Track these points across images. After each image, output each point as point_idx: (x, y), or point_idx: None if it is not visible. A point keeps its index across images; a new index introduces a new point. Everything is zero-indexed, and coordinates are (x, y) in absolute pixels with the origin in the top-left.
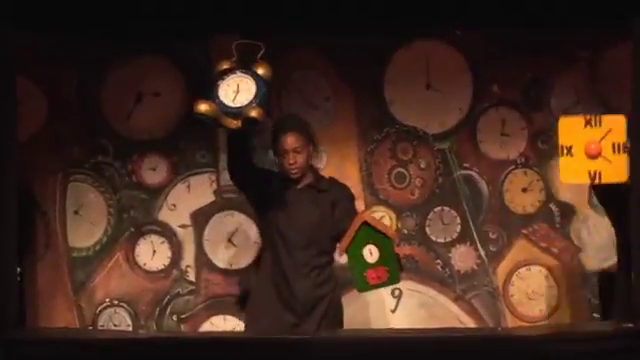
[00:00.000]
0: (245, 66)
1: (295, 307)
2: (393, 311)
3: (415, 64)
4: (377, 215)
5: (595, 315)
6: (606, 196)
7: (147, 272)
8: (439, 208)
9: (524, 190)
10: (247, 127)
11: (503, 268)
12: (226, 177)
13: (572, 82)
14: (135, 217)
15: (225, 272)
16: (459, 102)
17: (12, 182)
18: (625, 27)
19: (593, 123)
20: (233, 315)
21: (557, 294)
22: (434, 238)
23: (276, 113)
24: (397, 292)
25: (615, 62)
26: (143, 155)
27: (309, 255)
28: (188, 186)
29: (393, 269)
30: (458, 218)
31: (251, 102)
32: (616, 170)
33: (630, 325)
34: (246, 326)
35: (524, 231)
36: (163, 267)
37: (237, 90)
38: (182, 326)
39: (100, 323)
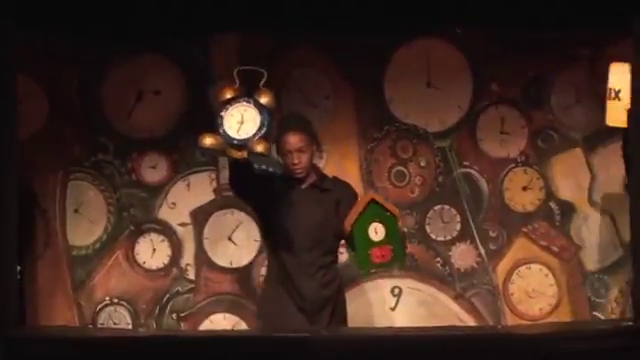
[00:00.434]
0: (248, 95)
1: (304, 307)
2: (393, 309)
3: (415, 62)
4: None
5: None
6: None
7: (147, 270)
8: (439, 206)
9: (524, 188)
10: (253, 159)
11: (503, 266)
12: (226, 176)
13: (572, 81)
14: (135, 215)
15: (225, 270)
16: (459, 100)
17: (12, 180)
18: (625, 26)
19: None
20: (233, 313)
21: (557, 292)
22: (434, 236)
23: (276, 112)
24: (397, 290)
25: (615, 61)
26: (143, 153)
27: (315, 255)
28: (188, 184)
29: (398, 249)
30: (458, 216)
31: (256, 134)
32: None
33: (630, 323)
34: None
35: (524, 229)
36: (163, 265)
37: (241, 120)
38: (182, 324)
39: (100, 321)
